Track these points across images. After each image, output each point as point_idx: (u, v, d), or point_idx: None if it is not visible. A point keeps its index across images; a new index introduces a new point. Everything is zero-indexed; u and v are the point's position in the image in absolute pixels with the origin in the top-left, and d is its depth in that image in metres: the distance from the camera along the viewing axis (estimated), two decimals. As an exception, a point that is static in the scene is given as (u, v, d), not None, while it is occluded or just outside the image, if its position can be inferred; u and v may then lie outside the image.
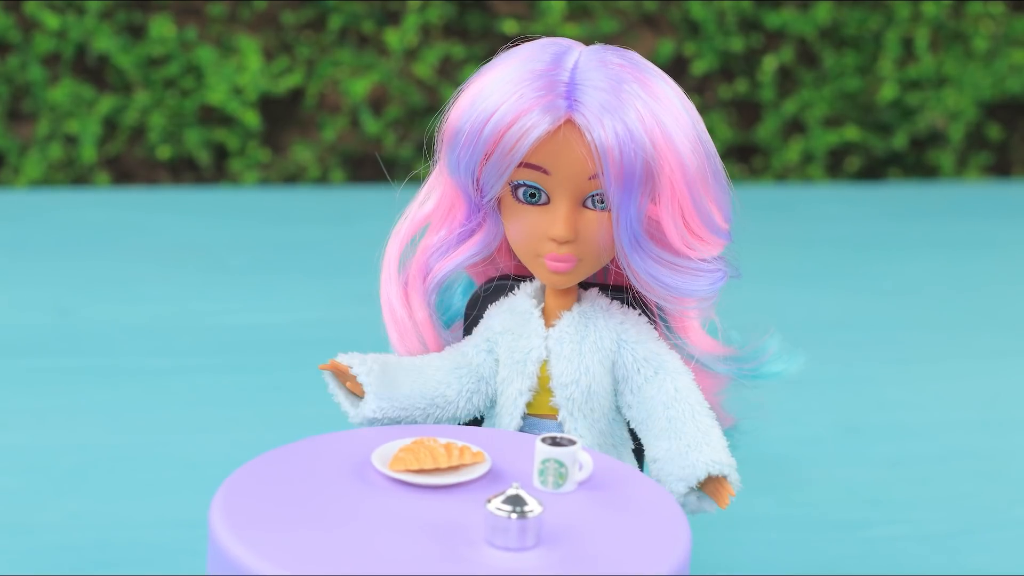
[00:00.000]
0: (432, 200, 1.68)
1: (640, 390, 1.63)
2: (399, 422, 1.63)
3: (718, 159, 1.61)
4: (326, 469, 1.48)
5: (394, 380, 1.63)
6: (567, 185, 1.56)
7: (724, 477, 1.54)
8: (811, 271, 3.88)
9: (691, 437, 1.57)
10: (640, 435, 1.64)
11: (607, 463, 1.54)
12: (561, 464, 1.46)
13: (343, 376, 1.64)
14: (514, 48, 1.60)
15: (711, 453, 1.54)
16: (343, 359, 1.63)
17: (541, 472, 1.47)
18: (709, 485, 1.54)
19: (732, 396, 1.79)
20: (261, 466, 1.48)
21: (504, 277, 1.71)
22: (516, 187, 1.59)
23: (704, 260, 1.61)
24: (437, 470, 1.47)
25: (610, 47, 1.60)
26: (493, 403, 1.68)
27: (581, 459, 1.49)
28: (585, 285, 1.69)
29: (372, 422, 1.63)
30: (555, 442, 1.46)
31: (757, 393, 1.77)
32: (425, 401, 1.64)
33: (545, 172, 1.56)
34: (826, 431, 2.85)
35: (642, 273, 1.58)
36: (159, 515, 2.40)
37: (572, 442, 1.46)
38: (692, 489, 1.55)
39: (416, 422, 1.64)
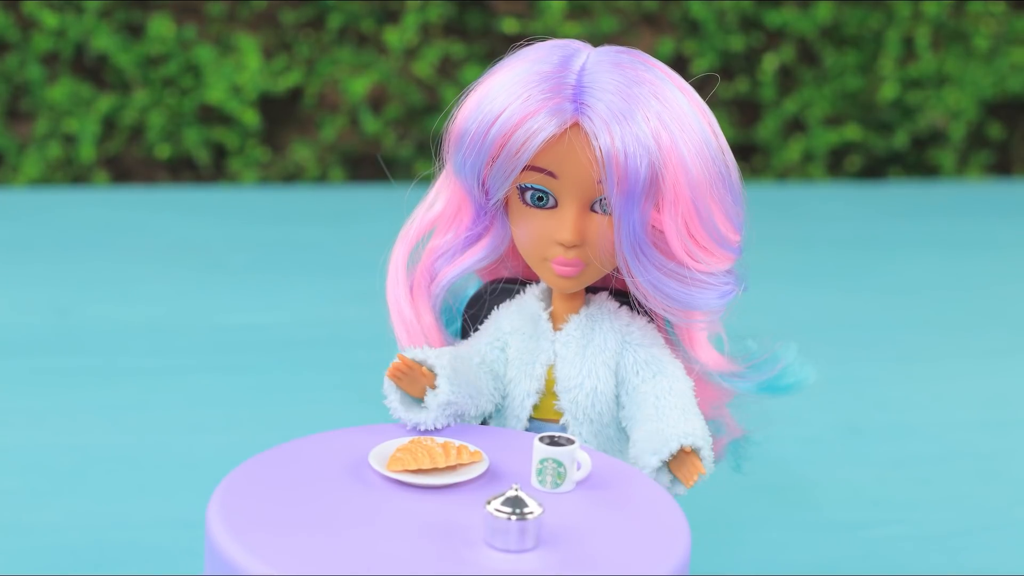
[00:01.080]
0: (439, 203, 1.66)
1: (636, 390, 1.61)
2: (457, 413, 1.57)
3: (732, 170, 1.58)
4: (323, 469, 1.47)
5: (454, 364, 1.58)
6: (574, 189, 1.55)
7: (696, 455, 1.51)
8: (811, 271, 3.87)
9: (673, 420, 1.55)
10: (628, 430, 1.62)
11: (606, 462, 1.53)
12: (559, 464, 1.45)
13: (407, 377, 1.56)
14: (523, 49, 1.59)
15: (686, 427, 1.52)
16: (410, 354, 1.56)
17: (539, 472, 1.46)
18: (681, 467, 1.51)
19: (740, 406, 1.77)
20: (258, 466, 1.47)
21: (511, 280, 1.70)
22: (523, 190, 1.57)
23: (711, 273, 1.58)
24: (435, 470, 1.46)
25: (622, 48, 1.58)
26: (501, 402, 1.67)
27: (579, 458, 1.48)
28: (593, 289, 1.67)
29: (446, 405, 1.55)
30: (553, 441, 1.45)
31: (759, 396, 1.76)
32: (474, 389, 1.59)
33: (552, 175, 1.55)
34: (827, 431, 2.85)
35: (643, 282, 1.56)
36: (158, 515, 2.39)
37: (570, 441, 1.45)
38: (664, 465, 1.52)
39: (464, 412, 1.59)
